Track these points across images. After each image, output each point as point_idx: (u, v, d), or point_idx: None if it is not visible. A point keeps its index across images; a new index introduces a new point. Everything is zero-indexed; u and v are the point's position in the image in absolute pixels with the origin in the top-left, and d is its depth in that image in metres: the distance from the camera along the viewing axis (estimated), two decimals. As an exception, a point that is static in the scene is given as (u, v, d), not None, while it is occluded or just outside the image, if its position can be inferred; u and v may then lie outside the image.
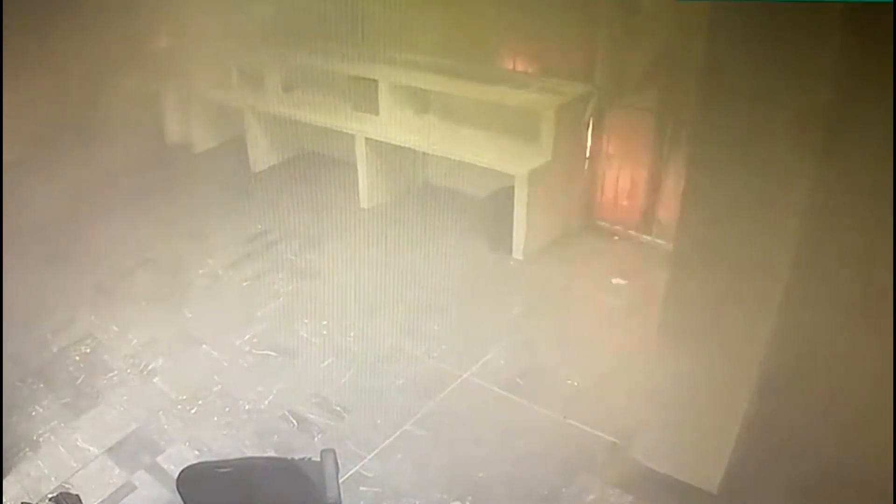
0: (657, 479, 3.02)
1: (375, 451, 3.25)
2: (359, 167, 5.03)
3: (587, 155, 4.54)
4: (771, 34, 2.13)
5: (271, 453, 3.22)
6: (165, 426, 3.40)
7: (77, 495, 2.59)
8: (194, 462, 2.65)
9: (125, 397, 3.56)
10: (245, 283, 4.40)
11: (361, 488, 3.09)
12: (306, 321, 4.03)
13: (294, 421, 3.42)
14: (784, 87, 2.18)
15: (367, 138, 4.91)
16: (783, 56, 2.14)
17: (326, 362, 3.76)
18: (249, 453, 3.21)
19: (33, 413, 3.46)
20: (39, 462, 3.22)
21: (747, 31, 2.17)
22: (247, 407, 3.50)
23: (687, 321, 2.68)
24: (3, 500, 3.02)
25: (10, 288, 3.76)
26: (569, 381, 3.54)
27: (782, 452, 2.79)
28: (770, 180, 2.31)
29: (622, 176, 4.57)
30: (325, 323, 4.01)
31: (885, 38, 2.06)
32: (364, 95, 4.93)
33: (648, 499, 2.98)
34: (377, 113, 4.91)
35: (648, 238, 4.53)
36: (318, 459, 2.40)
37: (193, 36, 5.41)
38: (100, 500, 3.05)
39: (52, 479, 3.13)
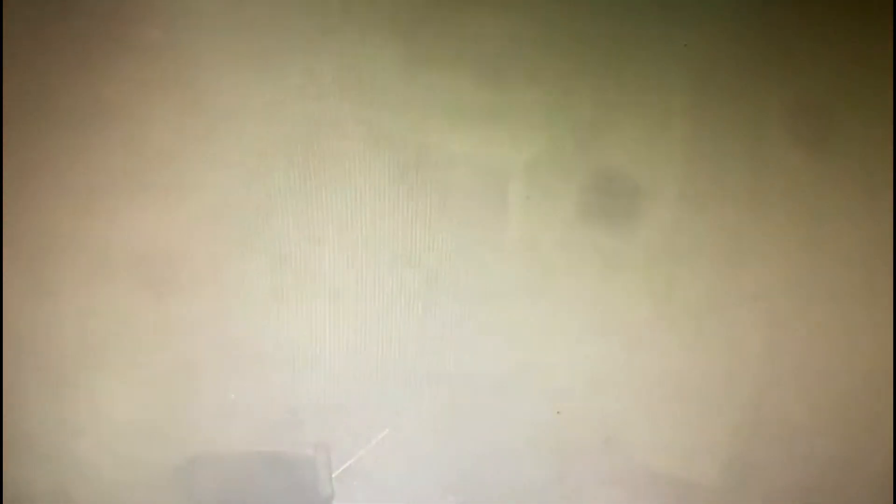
0: (653, 474, 3.01)
1: (369, 446, 3.23)
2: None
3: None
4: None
5: (264, 448, 3.20)
6: (160, 421, 3.38)
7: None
8: (189, 457, 2.64)
9: (118, 391, 3.54)
10: (240, 272, 4.36)
11: (355, 483, 3.08)
12: (301, 315, 4.00)
13: (287, 415, 3.40)
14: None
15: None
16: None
17: (320, 356, 3.73)
18: (242, 448, 3.20)
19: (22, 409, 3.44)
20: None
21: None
22: (239, 401, 3.47)
23: (684, 315, 2.67)
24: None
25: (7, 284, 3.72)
26: (563, 376, 3.52)
27: (781, 448, 2.78)
28: (767, 173, 2.30)
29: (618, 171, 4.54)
30: (319, 318, 3.98)
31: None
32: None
33: (644, 495, 2.97)
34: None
35: (644, 233, 4.51)
36: (312, 454, 2.39)
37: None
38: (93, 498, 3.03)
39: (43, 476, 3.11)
